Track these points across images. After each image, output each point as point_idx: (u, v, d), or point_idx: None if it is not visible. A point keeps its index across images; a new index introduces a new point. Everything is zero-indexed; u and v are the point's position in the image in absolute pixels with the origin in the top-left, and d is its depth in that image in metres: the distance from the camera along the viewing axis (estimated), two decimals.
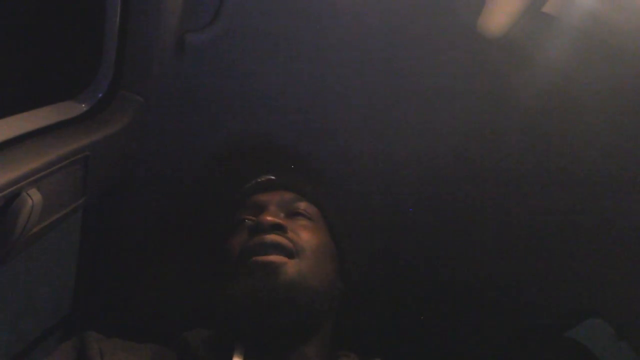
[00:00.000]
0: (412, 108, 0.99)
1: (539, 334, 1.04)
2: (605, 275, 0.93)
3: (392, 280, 1.04)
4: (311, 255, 0.79)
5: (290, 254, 0.77)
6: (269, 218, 0.80)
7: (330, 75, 0.97)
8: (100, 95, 0.80)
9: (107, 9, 0.76)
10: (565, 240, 0.96)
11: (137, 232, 1.05)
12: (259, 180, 0.92)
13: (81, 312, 1.06)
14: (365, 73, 0.97)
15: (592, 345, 0.97)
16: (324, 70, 0.97)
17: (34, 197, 0.62)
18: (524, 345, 1.04)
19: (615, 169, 0.87)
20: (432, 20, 0.91)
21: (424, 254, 1.06)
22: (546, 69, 0.85)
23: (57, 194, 0.70)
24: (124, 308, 1.06)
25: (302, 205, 0.87)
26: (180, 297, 1.03)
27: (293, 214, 0.86)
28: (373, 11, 0.92)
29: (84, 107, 0.79)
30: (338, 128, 1.01)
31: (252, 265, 0.75)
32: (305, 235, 0.82)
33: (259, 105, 0.99)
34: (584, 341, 0.98)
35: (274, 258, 0.75)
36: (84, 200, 0.79)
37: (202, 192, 1.05)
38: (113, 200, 0.99)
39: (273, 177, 0.92)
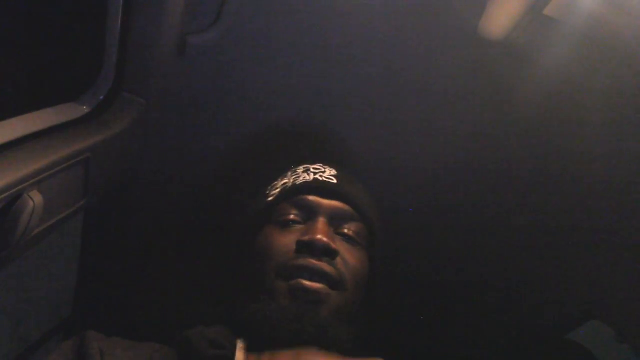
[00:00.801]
0: (413, 110, 0.99)
1: (540, 336, 1.04)
2: (606, 278, 0.93)
3: (392, 280, 1.04)
4: (352, 287, 0.78)
5: (334, 284, 0.76)
6: (323, 239, 0.76)
7: (331, 76, 0.97)
8: (101, 97, 0.80)
9: (109, 11, 0.76)
10: (566, 241, 0.96)
11: (138, 234, 1.05)
12: (319, 179, 0.85)
13: (82, 314, 1.05)
14: (366, 75, 0.97)
15: (593, 347, 0.97)
16: (325, 71, 0.97)
17: (35, 199, 0.62)
18: (525, 346, 1.04)
19: (616, 170, 0.87)
20: (434, 23, 0.91)
21: (424, 254, 1.06)
22: (548, 71, 0.85)
23: (58, 195, 0.70)
24: (126, 310, 1.06)
25: (354, 226, 0.83)
26: (182, 298, 1.03)
27: (342, 231, 0.82)
28: (374, 14, 0.92)
29: (85, 109, 0.79)
30: (339, 129, 1.01)
31: (298, 288, 0.74)
32: (350, 263, 0.79)
33: (260, 107, 0.99)
34: (585, 343, 0.98)
35: (319, 287, 0.74)
36: (85, 202, 0.79)
37: (204, 193, 1.05)
38: (114, 201, 0.99)
39: (333, 180, 0.85)
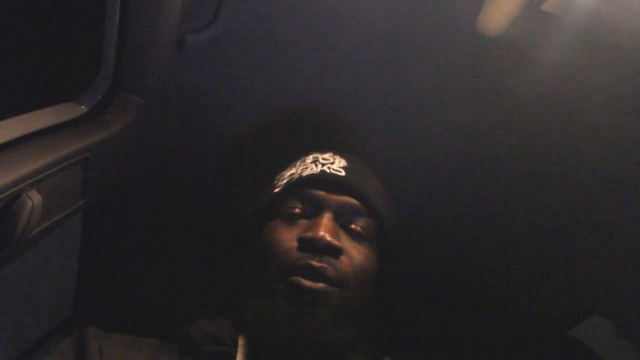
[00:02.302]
0: (412, 108, 0.98)
1: (540, 332, 1.04)
2: (606, 274, 0.93)
3: (392, 280, 1.04)
4: (356, 285, 0.75)
5: (336, 283, 0.73)
6: (326, 237, 0.73)
7: (330, 74, 0.97)
8: (100, 96, 0.80)
9: (107, 10, 0.76)
10: (567, 239, 0.96)
11: (138, 233, 1.05)
12: (327, 171, 0.80)
13: (82, 314, 1.05)
14: (364, 73, 0.97)
15: (593, 343, 0.97)
16: (323, 70, 0.97)
17: (34, 199, 0.62)
18: (525, 343, 1.04)
19: (616, 166, 0.87)
20: (431, 20, 0.91)
21: (424, 253, 1.06)
22: (546, 67, 0.85)
23: (57, 195, 0.70)
24: (126, 310, 1.06)
25: (362, 221, 0.79)
26: (182, 298, 1.03)
27: (350, 227, 0.78)
28: (372, 12, 0.92)
29: (83, 108, 0.78)
30: (337, 128, 1.01)
31: (295, 288, 0.71)
32: (356, 260, 0.76)
33: (259, 105, 0.99)
34: (586, 340, 0.98)
35: (319, 286, 0.71)
36: (84, 202, 0.78)
37: (203, 192, 1.05)
38: (114, 201, 0.99)
39: (342, 172, 0.80)
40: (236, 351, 0.72)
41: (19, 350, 0.93)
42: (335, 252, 0.74)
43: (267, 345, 0.73)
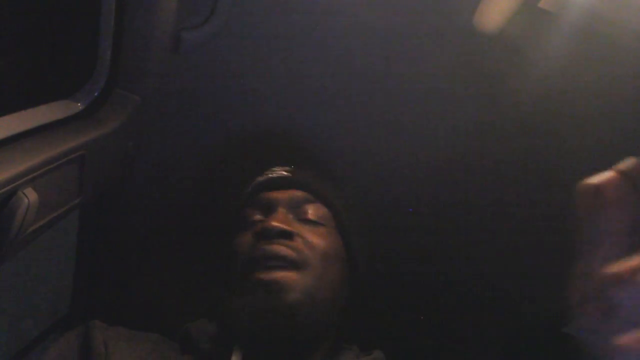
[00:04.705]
0: (409, 106, 0.98)
1: (536, 329, 1.04)
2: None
3: (392, 279, 1.04)
4: (318, 265, 0.76)
5: (295, 265, 0.74)
6: (274, 223, 0.76)
7: (328, 71, 0.97)
8: (96, 93, 0.80)
9: (103, 7, 0.75)
10: (564, 234, 0.96)
11: (134, 231, 1.05)
12: (271, 175, 0.87)
13: (79, 312, 1.05)
14: (362, 71, 0.96)
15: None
16: (322, 67, 0.96)
17: (30, 196, 0.62)
18: (522, 339, 1.05)
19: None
20: (428, 17, 0.91)
21: (421, 246, 1.05)
22: (543, 64, 0.85)
23: (53, 193, 0.70)
24: (123, 308, 1.06)
25: (312, 208, 0.83)
26: (179, 296, 1.03)
27: (303, 216, 0.82)
28: (369, 9, 0.92)
29: (79, 105, 0.78)
30: (335, 125, 1.01)
31: (255, 282, 0.73)
32: (313, 241, 0.78)
33: (256, 103, 0.99)
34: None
35: (278, 275, 0.72)
36: (80, 200, 0.78)
37: (199, 190, 1.05)
38: (110, 199, 0.99)
39: (285, 173, 0.87)
40: (232, 355, 0.73)
41: (16, 347, 0.93)
42: (287, 235, 0.76)
43: (255, 342, 0.74)
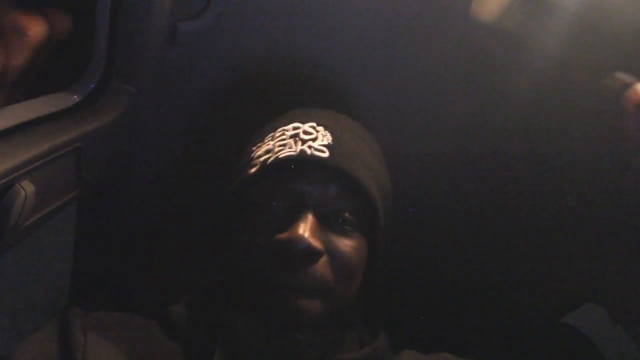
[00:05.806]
0: (408, 102, 0.98)
1: (535, 320, 1.05)
2: (601, 262, 0.93)
3: (391, 279, 1.04)
4: (342, 286, 0.69)
5: (319, 293, 0.67)
6: (304, 242, 0.64)
7: (327, 61, 0.96)
8: (92, 86, 0.79)
9: None
10: (563, 226, 0.97)
11: (133, 225, 1.05)
12: (306, 150, 0.69)
13: (78, 306, 1.05)
14: (360, 65, 0.96)
15: (588, 330, 0.98)
16: (320, 57, 0.96)
17: (27, 189, 0.62)
18: (520, 330, 1.05)
19: (613, 157, 0.87)
20: (424, 6, 0.90)
21: (421, 242, 1.06)
22: (541, 53, 0.84)
23: (50, 185, 0.69)
24: (121, 303, 1.06)
25: (347, 211, 0.70)
26: (178, 291, 1.03)
27: (333, 221, 0.70)
28: (366, 1, 0.91)
29: (75, 98, 0.78)
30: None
31: (272, 298, 0.66)
32: (340, 255, 0.68)
33: (254, 94, 0.98)
34: (580, 326, 0.99)
35: (301, 306, 0.65)
36: (78, 192, 0.78)
37: (198, 183, 1.04)
38: (108, 192, 0.98)
39: (323, 154, 0.69)
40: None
41: (14, 342, 0.93)
42: (313, 256, 0.66)
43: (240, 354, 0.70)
